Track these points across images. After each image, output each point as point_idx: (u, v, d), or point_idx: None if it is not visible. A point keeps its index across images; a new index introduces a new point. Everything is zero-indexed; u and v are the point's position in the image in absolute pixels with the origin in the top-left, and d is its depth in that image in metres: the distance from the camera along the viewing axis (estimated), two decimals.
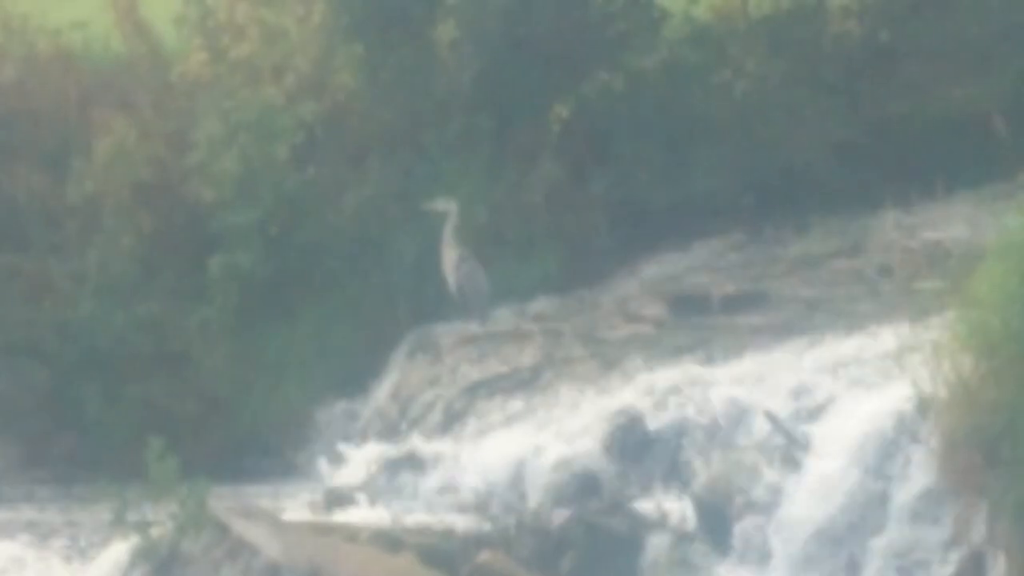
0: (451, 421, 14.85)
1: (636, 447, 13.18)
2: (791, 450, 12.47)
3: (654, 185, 17.78)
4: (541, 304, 16.98)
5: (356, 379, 16.89)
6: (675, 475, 13.00)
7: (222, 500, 13.53)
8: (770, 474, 12.51)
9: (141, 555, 12.90)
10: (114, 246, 17.08)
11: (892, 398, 11.84)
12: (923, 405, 11.15)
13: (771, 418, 12.64)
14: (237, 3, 18.69)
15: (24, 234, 17.91)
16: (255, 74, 17.83)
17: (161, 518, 13.08)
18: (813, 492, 12.02)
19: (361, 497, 13.71)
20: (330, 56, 18.28)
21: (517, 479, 13.09)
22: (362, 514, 13.40)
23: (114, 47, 19.01)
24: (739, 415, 12.83)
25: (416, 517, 13.16)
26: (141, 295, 17.28)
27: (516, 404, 14.56)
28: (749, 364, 13.83)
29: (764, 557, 12.11)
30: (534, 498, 12.96)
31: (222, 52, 18.23)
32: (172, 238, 17.68)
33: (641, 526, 12.51)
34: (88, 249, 17.26)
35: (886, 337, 12.92)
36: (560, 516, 12.66)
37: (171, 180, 17.45)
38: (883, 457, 11.70)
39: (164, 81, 18.24)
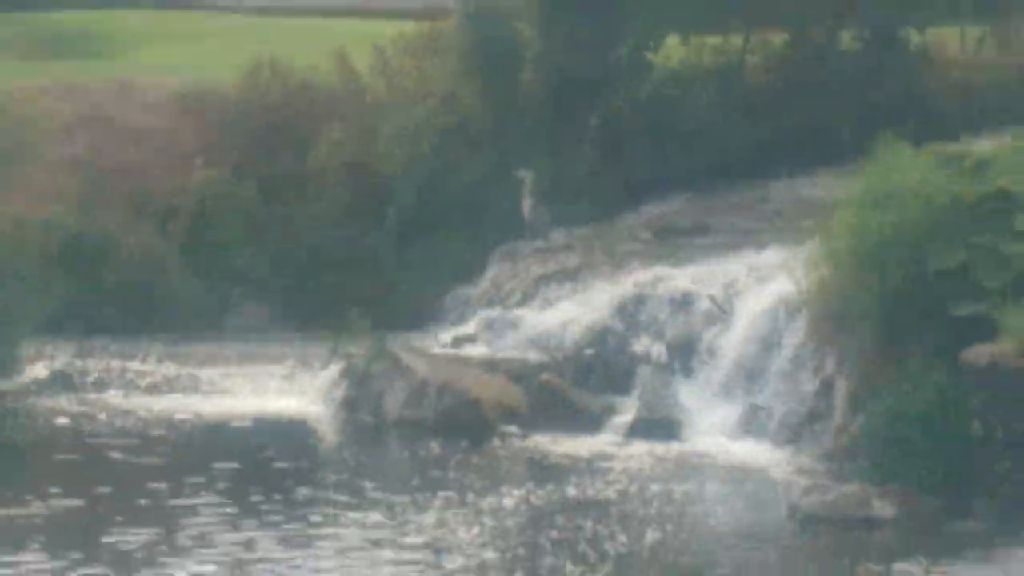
0: (526, 298, 15.63)
1: (633, 313, 14.34)
2: (723, 318, 13.73)
3: (646, 164, 18.10)
4: (581, 231, 17.01)
5: (470, 273, 17.11)
6: (656, 330, 14.06)
7: (394, 342, 14.33)
8: (711, 332, 13.81)
9: (345, 374, 13.57)
10: (334, 197, 17.60)
11: (781, 289, 12.84)
12: (799, 294, 12.06)
13: (711, 299, 13.94)
14: (404, 56, 19.13)
15: (279, 191, 17.84)
16: (412, 97, 18.43)
17: (358, 353, 13.83)
18: (735, 343, 13.40)
19: (474, 341, 14.95)
20: (458, 87, 18.71)
21: (564, 331, 14.21)
22: (474, 351, 14.74)
23: (333, 81, 19.18)
24: (693, 296, 14.01)
25: (505, 352, 14.43)
26: (348, 221, 17.55)
27: (564, 289, 15.39)
28: (700, 267, 14.82)
29: (708, 381, 13.56)
30: (573, 342, 14.08)
31: (394, 85, 18.83)
32: (366, 194, 17.96)
33: (635, 360, 13.73)
34: (320, 199, 17.62)
35: (779, 253, 13.56)
36: (588, 353, 13.93)
37: (366, 160, 17.91)
38: (776, 324, 13.00)
39: (361, 101, 18.62)
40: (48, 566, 7.77)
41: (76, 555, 8.06)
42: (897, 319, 10.95)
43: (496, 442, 12.80)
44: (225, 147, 18.35)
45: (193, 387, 15.07)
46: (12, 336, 15.02)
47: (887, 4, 20.14)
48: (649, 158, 19.33)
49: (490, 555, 8.85)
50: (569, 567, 8.30)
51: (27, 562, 7.78)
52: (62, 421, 13.62)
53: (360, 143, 18.45)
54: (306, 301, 17.45)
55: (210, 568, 8.16)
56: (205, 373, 15.40)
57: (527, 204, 17.05)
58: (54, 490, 10.13)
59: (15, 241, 15.64)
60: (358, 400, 13.55)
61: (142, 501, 10.15)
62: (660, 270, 15.24)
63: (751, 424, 13.58)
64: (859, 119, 19.08)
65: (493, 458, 12.56)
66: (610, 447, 12.98)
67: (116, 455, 12.00)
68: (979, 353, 10.14)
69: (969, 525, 9.30)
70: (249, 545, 8.75)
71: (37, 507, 9.53)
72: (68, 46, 23.78)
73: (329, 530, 9.30)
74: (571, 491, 10.89)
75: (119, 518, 9.40)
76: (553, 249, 17.02)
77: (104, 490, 10.44)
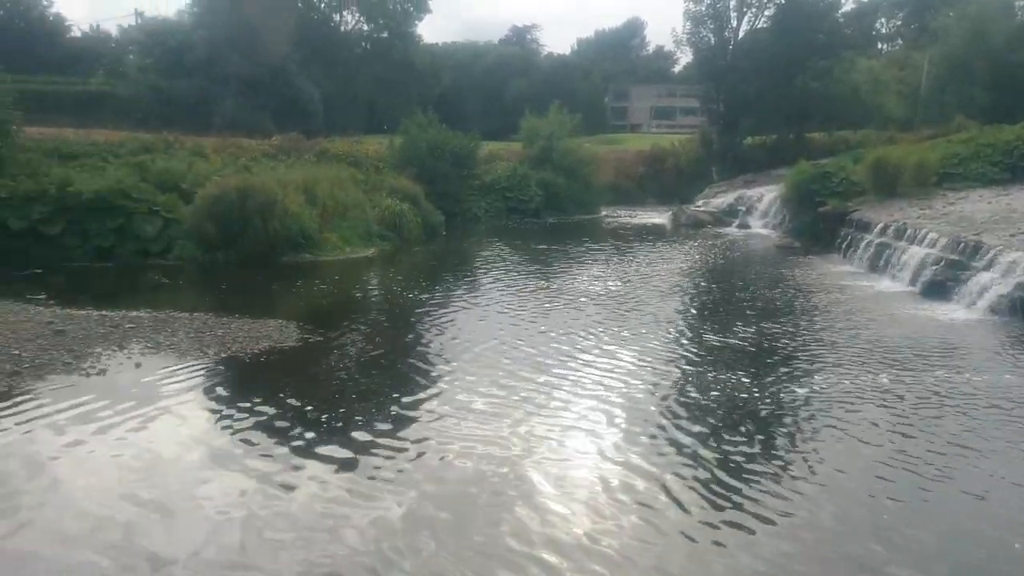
0: (715, 196, 32.64)
1: (742, 197, 31.02)
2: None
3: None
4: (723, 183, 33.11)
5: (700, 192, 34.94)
6: (750, 206, 30.23)
7: (684, 205, 31.36)
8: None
9: (674, 213, 31.48)
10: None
11: (774, 195, 28.05)
12: (780, 196, 26.69)
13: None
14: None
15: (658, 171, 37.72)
16: None
17: (676, 208, 31.80)
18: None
19: (704, 205, 31.68)
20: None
21: (737, 202, 30.64)
22: (704, 207, 31.69)
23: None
24: (745, 197, 29.74)
25: (709, 208, 31.65)
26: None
27: (729, 195, 32.05)
28: (752, 189, 30.37)
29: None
30: (728, 204, 30.59)
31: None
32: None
33: (738, 213, 29.79)
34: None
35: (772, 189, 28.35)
36: (731, 204, 30.71)
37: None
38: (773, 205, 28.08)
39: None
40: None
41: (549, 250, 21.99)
42: (801, 205, 24.39)
43: (706, 230, 27.63)
44: (637, 164, 42.41)
45: (632, 216, 34.16)
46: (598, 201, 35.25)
47: None
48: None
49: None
50: None
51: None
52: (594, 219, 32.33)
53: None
54: (667, 200, 37.45)
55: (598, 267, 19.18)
56: (637, 213, 35.32)
57: (714, 171, 39.69)
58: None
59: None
60: (675, 218, 31.21)
61: (612, 239, 25.36)
62: (743, 190, 31.99)
63: None
64: None
65: (707, 237, 25.59)
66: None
67: (606, 228, 29.58)
68: (826, 207, 22.53)
69: (815, 250, 21.68)
70: (630, 246, 23.49)
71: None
72: (607, 141, 50.06)
73: (661, 250, 22.66)
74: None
75: (589, 246, 23.67)
76: (722, 185, 35.56)
77: (588, 235, 27.02)
